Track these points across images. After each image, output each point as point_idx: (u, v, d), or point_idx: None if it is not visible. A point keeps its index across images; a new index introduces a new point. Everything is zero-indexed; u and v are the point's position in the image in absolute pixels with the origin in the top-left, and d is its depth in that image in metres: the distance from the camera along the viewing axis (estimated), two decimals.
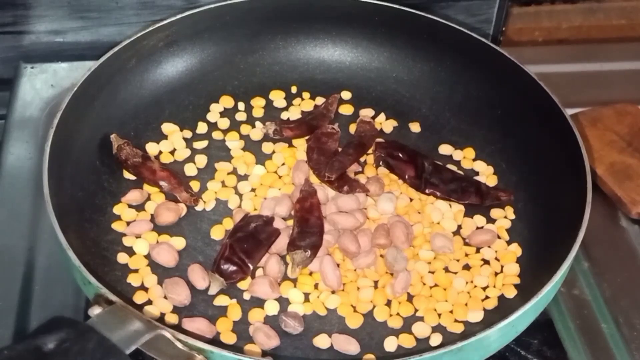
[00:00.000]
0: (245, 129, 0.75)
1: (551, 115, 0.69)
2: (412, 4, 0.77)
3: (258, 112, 0.77)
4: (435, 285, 0.65)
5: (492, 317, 0.62)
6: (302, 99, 0.78)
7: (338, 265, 0.65)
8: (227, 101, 0.77)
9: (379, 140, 0.73)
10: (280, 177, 0.72)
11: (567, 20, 0.93)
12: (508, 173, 0.72)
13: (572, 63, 0.87)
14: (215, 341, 0.59)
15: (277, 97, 0.78)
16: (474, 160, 0.74)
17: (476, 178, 0.72)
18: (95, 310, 0.53)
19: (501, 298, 0.64)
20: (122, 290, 0.61)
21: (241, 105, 0.77)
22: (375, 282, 0.65)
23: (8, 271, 0.66)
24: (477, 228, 0.69)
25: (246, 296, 0.63)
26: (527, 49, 0.90)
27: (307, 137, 0.74)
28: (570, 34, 0.94)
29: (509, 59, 0.73)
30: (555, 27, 0.93)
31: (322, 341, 0.61)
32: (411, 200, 0.70)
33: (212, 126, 0.75)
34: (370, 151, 0.73)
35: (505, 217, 0.70)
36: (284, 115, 0.77)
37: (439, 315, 0.63)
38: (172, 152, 0.73)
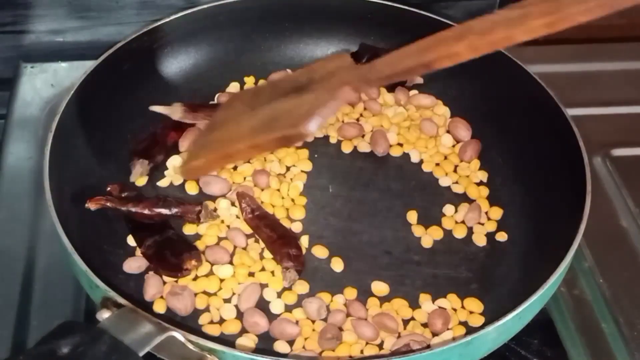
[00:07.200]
0: None
1: (551, 114, 0.69)
2: (413, 3, 0.77)
3: None
4: None
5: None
6: None
7: None
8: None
9: None
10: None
11: None
12: (505, 168, 0.72)
13: (572, 63, 0.87)
14: (227, 341, 0.59)
15: None
16: None
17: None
18: (104, 314, 0.52)
19: None
20: (127, 293, 0.61)
21: None
22: None
23: (8, 271, 0.66)
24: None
25: None
26: (527, 49, 0.89)
27: None
28: (571, 34, 0.93)
29: (508, 58, 0.73)
30: None
31: None
32: None
33: None
34: None
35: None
36: None
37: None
38: None
